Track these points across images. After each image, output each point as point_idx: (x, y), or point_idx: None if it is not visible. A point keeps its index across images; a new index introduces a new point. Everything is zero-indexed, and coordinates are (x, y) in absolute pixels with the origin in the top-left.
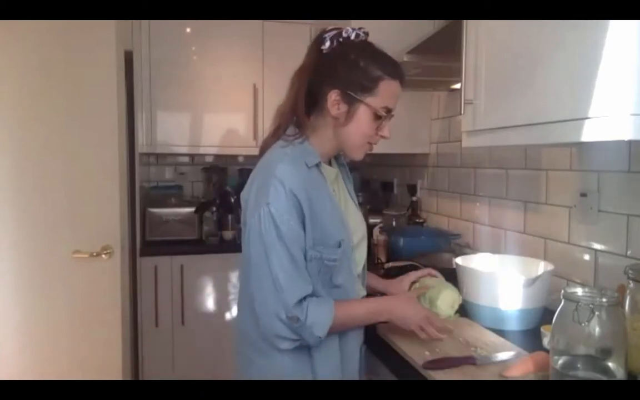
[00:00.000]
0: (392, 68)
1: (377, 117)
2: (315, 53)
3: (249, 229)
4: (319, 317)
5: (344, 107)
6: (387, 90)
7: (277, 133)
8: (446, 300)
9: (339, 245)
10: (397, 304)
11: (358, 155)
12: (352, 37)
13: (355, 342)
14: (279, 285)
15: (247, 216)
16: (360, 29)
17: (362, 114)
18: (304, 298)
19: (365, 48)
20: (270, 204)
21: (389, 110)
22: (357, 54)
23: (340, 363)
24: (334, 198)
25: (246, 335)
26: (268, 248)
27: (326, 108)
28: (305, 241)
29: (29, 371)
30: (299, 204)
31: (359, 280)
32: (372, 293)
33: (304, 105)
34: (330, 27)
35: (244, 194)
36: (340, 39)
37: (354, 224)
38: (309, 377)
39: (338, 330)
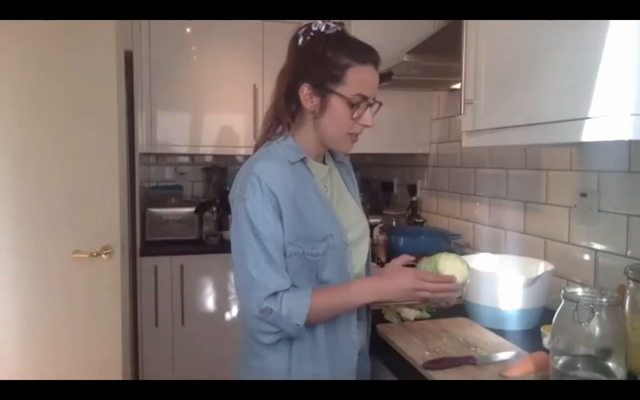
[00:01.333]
0: (361, 54)
1: (352, 105)
2: (293, 51)
3: (231, 227)
4: (295, 304)
5: (316, 100)
6: (357, 77)
7: (266, 135)
8: (447, 265)
9: (323, 240)
10: (383, 277)
11: (342, 148)
12: (322, 29)
13: (346, 338)
14: (253, 281)
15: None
16: (332, 21)
17: (335, 104)
18: (280, 292)
19: (333, 38)
20: (246, 200)
21: (364, 97)
22: (324, 45)
23: (325, 358)
24: (323, 194)
25: (242, 336)
26: (243, 245)
27: (302, 103)
28: (283, 236)
29: (29, 371)
30: (276, 199)
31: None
32: None
33: (284, 105)
34: (304, 24)
35: (230, 195)
36: (312, 33)
37: (352, 221)
38: (292, 373)
39: (323, 318)
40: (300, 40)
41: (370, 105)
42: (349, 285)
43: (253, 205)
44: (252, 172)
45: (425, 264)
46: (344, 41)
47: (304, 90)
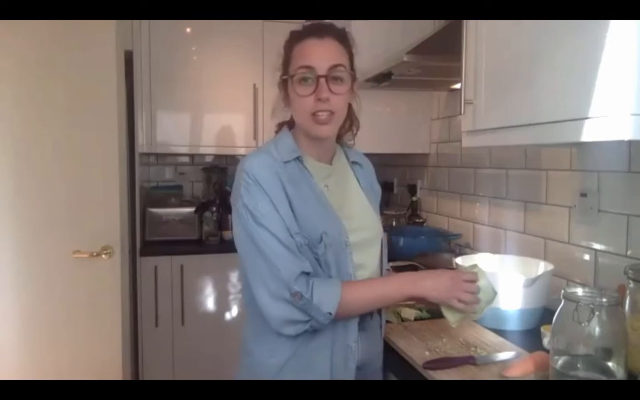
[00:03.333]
0: (302, 31)
1: (300, 82)
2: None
3: (235, 228)
4: (326, 292)
5: (283, 94)
6: (299, 53)
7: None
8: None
9: (320, 239)
10: (422, 272)
11: (315, 132)
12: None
13: (342, 346)
14: (274, 266)
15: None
16: (326, 21)
17: (290, 89)
18: (307, 274)
19: (291, 33)
20: (242, 196)
21: (308, 68)
22: (285, 42)
23: (321, 362)
24: (319, 193)
25: (242, 335)
26: (253, 235)
27: None
28: (287, 225)
29: (29, 371)
30: (265, 191)
31: None
32: None
33: (283, 105)
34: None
35: (231, 198)
36: (290, 33)
37: (359, 223)
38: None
39: (354, 311)
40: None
41: (323, 77)
42: (386, 278)
43: (250, 200)
44: (242, 170)
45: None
46: (297, 30)
47: (279, 92)
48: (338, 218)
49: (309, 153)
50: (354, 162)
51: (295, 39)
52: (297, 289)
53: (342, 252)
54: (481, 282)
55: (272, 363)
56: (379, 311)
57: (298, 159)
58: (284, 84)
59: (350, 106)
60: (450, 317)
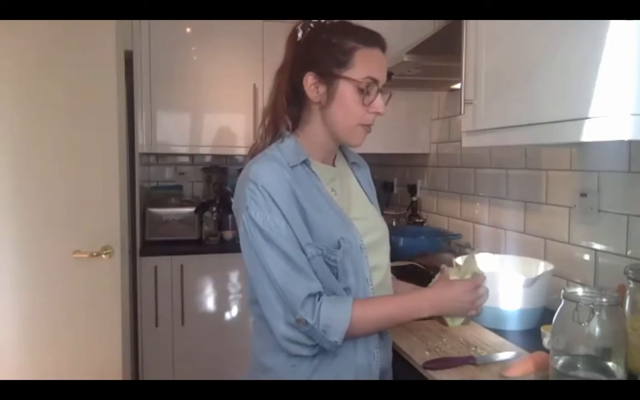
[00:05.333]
0: (368, 36)
1: (361, 91)
2: (291, 46)
3: (240, 239)
4: (333, 318)
5: (322, 89)
6: (365, 60)
7: (263, 141)
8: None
9: (338, 246)
10: (438, 293)
11: (355, 140)
12: (323, 21)
13: (366, 352)
14: (279, 289)
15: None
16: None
17: (344, 90)
18: (315, 297)
19: (336, 25)
20: (249, 208)
21: (374, 81)
22: (328, 33)
23: (344, 374)
24: (329, 197)
25: (253, 349)
26: (259, 253)
27: (307, 96)
28: (297, 237)
29: (29, 371)
30: (274, 202)
31: (381, 288)
32: None
33: (284, 104)
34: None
35: (233, 206)
36: (312, 25)
37: (369, 224)
38: None
39: (366, 332)
40: (300, 34)
41: (380, 91)
42: (403, 296)
43: (257, 212)
44: (248, 179)
45: (454, 273)
46: (348, 26)
47: (309, 80)
48: (351, 221)
49: (314, 156)
50: (353, 163)
51: (360, 42)
52: (302, 315)
53: (358, 257)
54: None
55: (297, 377)
56: None
57: (305, 162)
58: (330, 77)
59: None
60: (451, 322)
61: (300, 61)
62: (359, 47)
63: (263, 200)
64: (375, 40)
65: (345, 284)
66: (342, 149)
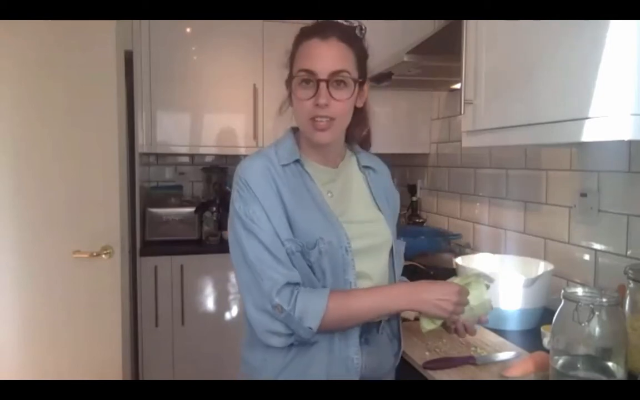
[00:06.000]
0: (310, 29)
1: (305, 85)
2: None
3: (228, 233)
4: (309, 305)
5: (288, 92)
6: (301, 54)
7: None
8: (474, 295)
9: (314, 246)
10: (418, 288)
11: (314, 137)
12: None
13: (342, 356)
14: (258, 276)
15: None
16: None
17: (293, 89)
18: (293, 286)
19: (301, 30)
20: (235, 201)
21: (309, 72)
22: (294, 39)
23: (318, 374)
24: (318, 197)
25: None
26: (240, 242)
27: None
28: (276, 233)
29: (29, 371)
30: (256, 196)
31: None
32: None
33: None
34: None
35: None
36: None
37: (365, 229)
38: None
39: (344, 323)
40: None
41: (323, 81)
42: (381, 288)
43: (241, 205)
44: (237, 173)
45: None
46: (304, 28)
47: (286, 90)
48: (339, 223)
49: (312, 156)
50: (366, 167)
51: (301, 37)
52: (278, 302)
53: (340, 259)
54: (474, 294)
55: (265, 373)
56: (393, 328)
57: (298, 161)
58: (288, 82)
59: (363, 109)
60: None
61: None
62: (299, 44)
63: (246, 194)
64: (312, 31)
65: (323, 283)
66: (357, 151)
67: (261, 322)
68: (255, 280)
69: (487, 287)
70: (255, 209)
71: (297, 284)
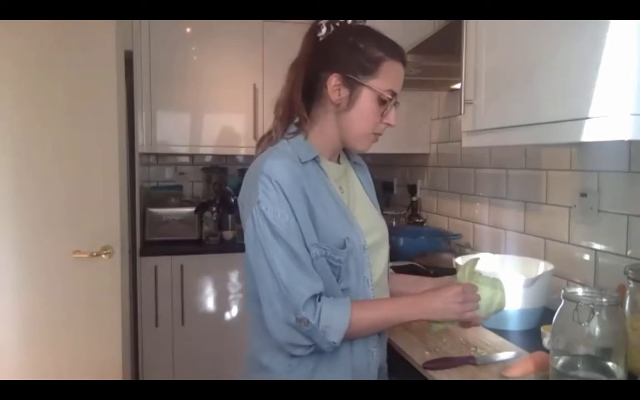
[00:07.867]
0: (393, 49)
1: (382, 102)
2: (311, 42)
3: (246, 233)
4: (332, 319)
5: (345, 92)
6: (389, 72)
7: (270, 135)
8: (484, 292)
9: (344, 245)
10: (429, 298)
11: (363, 146)
12: (349, 21)
13: (363, 351)
14: (284, 286)
15: (243, 221)
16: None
17: (365, 98)
18: (316, 297)
19: (364, 30)
20: (260, 202)
21: (393, 94)
22: (355, 36)
23: (342, 373)
24: (337, 196)
25: (250, 346)
26: (266, 248)
27: (326, 95)
28: (304, 236)
29: (29, 371)
30: (286, 198)
31: (378, 287)
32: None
33: (300, 99)
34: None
35: (239, 198)
36: (337, 24)
37: (371, 224)
38: None
39: (362, 333)
40: (324, 30)
41: (396, 104)
42: (396, 299)
43: (269, 206)
44: (261, 172)
45: (459, 277)
46: (375, 34)
47: (333, 81)
48: (356, 221)
49: (323, 154)
50: (354, 162)
51: (387, 53)
52: (304, 315)
53: (360, 257)
54: (483, 292)
55: (294, 378)
56: None
57: (315, 159)
58: (354, 83)
59: None
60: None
61: (321, 59)
62: (385, 58)
63: (276, 196)
64: (399, 54)
65: (346, 284)
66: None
67: (283, 334)
68: (280, 292)
69: (497, 282)
70: (284, 213)
71: (320, 294)
